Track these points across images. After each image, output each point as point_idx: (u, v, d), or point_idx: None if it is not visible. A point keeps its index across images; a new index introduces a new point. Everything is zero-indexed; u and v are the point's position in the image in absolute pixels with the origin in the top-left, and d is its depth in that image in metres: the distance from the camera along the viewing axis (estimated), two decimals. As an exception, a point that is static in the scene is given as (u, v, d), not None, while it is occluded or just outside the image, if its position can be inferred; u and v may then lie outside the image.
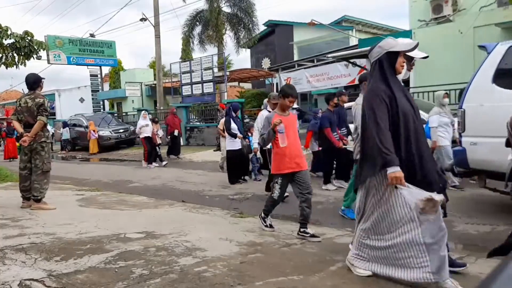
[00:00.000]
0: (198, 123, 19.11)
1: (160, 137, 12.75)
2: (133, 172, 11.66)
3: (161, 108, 22.85)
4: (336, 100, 7.40)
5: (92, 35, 27.40)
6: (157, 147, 12.59)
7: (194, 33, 27.59)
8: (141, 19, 23.20)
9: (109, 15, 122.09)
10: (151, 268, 3.22)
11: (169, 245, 3.88)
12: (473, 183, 6.91)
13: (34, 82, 5.73)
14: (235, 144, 8.51)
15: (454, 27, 12.44)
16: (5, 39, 8.98)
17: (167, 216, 5.47)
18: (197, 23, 27.23)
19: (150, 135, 12.22)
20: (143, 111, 13.56)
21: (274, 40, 27.28)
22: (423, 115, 8.24)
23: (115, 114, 24.27)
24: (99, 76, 29.57)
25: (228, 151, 8.66)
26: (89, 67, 28.65)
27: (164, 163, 12.53)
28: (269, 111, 9.07)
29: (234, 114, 8.79)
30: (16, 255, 3.53)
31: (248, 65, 29.10)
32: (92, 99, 29.68)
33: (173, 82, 22.42)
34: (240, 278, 3.01)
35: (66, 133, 21.27)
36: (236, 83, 28.13)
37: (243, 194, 7.41)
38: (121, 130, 20.27)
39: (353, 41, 20.10)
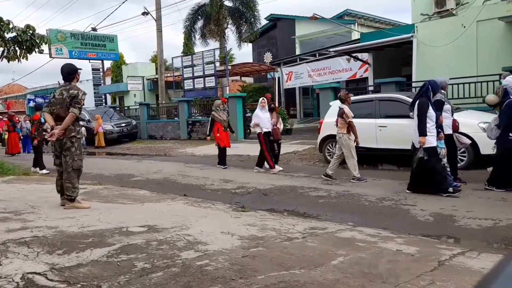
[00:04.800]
0: (200, 117, 19.10)
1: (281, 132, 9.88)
2: (135, 166, 11.65)
3: (163, 102, 22.83)
4: None
5: (94, 29, 27.36)
6: (275, 144, 9.70)
7: (196, 27, 27.56)
8: (143, 13, 23.13)
9: (111, 9, 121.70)
10: (153, 261, 3.23)
11: (171, 238, 3.89)
12: (475, 177, 6.90)
13: (69, 73, 5.38)
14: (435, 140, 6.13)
15: (457, 21, 12.34)
16: (7, 33, 8.97)
17: (169, 210, 5.48)
18: (199, 17, 27.18)
19: (270, 130, 9.35)
20: (261, 98, 9.60)
21: (276, 34, 27.19)
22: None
23: (117, 108, 24.26)
24: (101, 70, 29.58)
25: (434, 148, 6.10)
26: (91, 61, 28.64)
27: (278, 169, 9.19)
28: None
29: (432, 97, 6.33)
30: (18, 249, 3.54)
31: (250, 59, 29.02)
32: (94, 93, 29.65)
33: (175, 76, 22.37)
34: (242, 272, 3.01)
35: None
36: (238, 78, 28.09)
37: (245, 188, 7.41)
38: (123, 124, 20.29)
39: (355, 35, 20.02)
